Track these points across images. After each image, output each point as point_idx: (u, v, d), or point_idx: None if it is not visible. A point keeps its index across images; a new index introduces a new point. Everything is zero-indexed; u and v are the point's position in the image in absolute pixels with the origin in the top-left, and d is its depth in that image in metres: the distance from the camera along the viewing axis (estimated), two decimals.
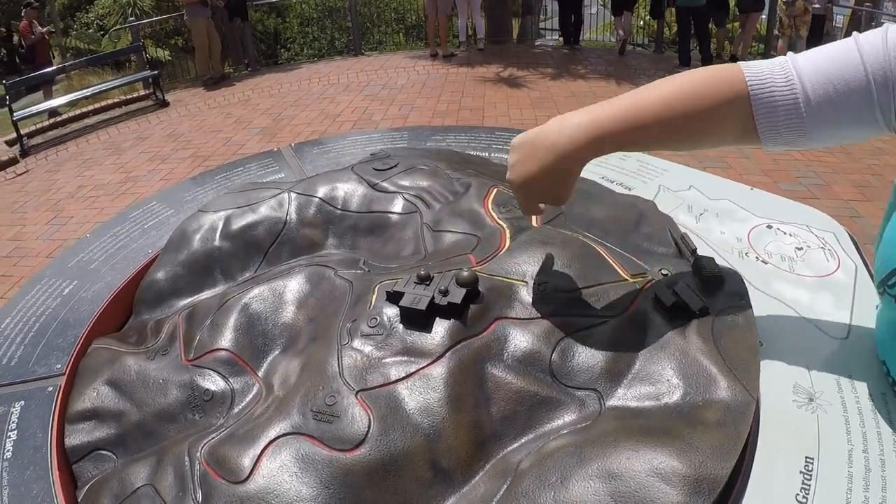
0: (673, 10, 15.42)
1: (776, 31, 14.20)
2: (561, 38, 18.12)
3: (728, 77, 1.46)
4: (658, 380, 1.48)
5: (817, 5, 13.33)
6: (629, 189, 2.52)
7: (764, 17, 15.46)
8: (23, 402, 1.89)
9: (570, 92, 12.66)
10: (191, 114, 14.39)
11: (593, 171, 2.59)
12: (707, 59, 13.76)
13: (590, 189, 2.27)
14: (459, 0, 16.74)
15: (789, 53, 1.43)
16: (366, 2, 20.79)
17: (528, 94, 12.64)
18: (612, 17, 17.30)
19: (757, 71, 1.44)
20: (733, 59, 14.45)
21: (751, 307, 1.64)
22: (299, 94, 14.66)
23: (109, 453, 1.74)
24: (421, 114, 11.78)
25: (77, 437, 1.78)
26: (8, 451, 1.73)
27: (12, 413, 1.85)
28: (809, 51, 1.40)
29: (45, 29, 17.86)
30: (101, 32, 27.20)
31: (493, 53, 16.67)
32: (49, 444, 1.73)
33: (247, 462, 1.41)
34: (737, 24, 15.81)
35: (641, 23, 19.77)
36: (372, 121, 11.71)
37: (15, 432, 1.79)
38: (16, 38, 18.21)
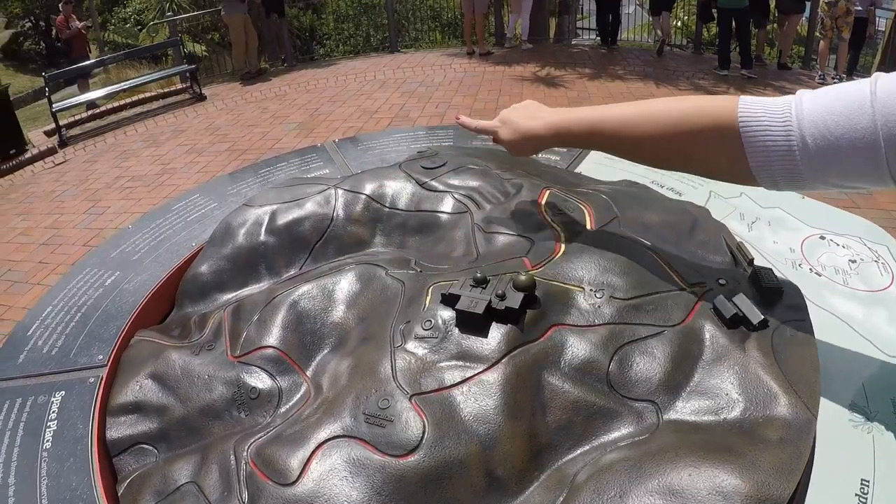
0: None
1: (817, 33, 13.99)
2: (598, 38, 18.03)
3: (720, 108, 1.45)
4: (717, 394, 1.44)
5: (859, 7, 13.10)
6: (680, 194, 2.48)
7: (805, 18, 15.25)
8: (63, 392, 1.88)
9: (608, 92, 12.58)
10: (227, 108, 14.43)
11: (644, 175, 2.54)
12: (746, 61, 13.58)
13: (642, 194, 2.22)
14: (513, 1, 16.70)
15: (799, 92, 1.37)
16: None
17: (565, 94, 12.57)
18: (650, 17, 17.20)
19: (752, 108, 1.39)
20: (782, 66, 14.36)
21: (810, 321, 1.60)
22: (336, 90, 14.65)
23: (151, 448, 1.72)
24: (458, 112, 11.66)
25: (119, 429, 1.76)
26: (48, 441, 1.73)
27: (53, 403, 1.85)
28: (819, 91, 1.34)
29: (81, 23, 17.97)
30: (139, 27, 27.39)
31: (530, 52, 16.59)
32: (90, 436, 1.72)
33: (296, 464, 1.37)
34: (776, 25, 15.62)
35: (679, 23, 19.64)
36: (409, 118, 11.68)
37: (55, 422, 1.78)
38: (54, 32, 18.31)
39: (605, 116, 1.65)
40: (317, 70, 17.11)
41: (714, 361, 1.49)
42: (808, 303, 1.71)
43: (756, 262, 1.80)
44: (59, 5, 17.70)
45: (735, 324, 1.54)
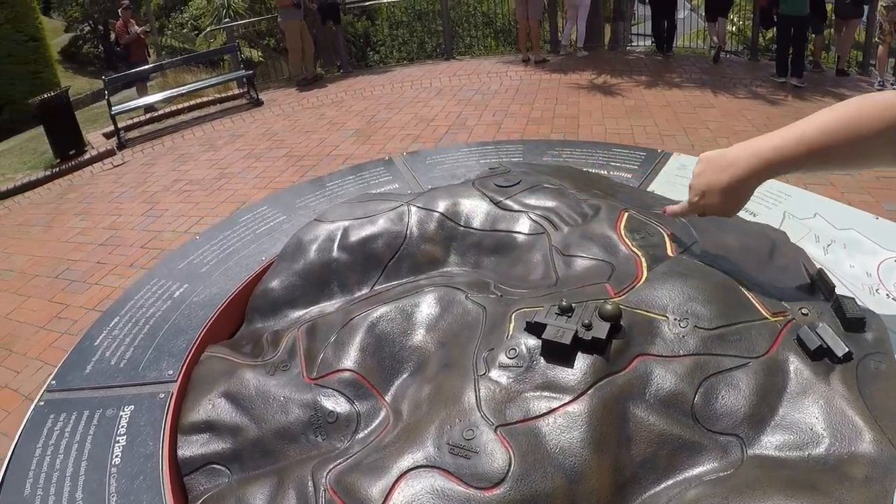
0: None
1: (876, 38, 13.73)
2: (653, 45, 17.90)
3: (889, 103, 1.44)
4: (801, 428, 1.39)
5: None
6: (754, 214, 2.43)
7: (863, 23, 14.98)
8: (133, 406, 1.87)
9: (665, 101, 12.44)
10: (284, 113, 14.49)
11: None
12: (800, 68, 13.34)
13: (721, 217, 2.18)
14: (569, 7, 16.62)
15: None
16: (454, 5, 20.73)
17: (622, 103, 12.46)
18: (706, 24, 17.02)
19: None
20: (840, 72, 14.14)
21: (893, 353, 1.54)
22: (392, 97, 14.66)
23: (224, 468, 1.70)
24: (515, 120, 11.66)
25: (190, 448, 1.74)
26: (117, 456, 1.71)
27: (122, 417, 1.84)
28: None
29: (140, 28, 18.18)
30: (196, 32, 27.63)
31: (585, 60, 16.45)
32: (161, 454, 1.71)
33: (377, 493, 1.35)
34: (834, 31, 15.36)
35: (735, 29, 19.45)
36: (466, 126, 11.64)
37: (124, 438, 1.77)
38: (113, 37, 18.56)
39: (804, 135, 1.58)
40: (373, 77, 17.13)
41: (798, 395, 1.45)
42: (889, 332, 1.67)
43: (835, 287, 1.75)
44: (119, 11, 17.92)
45: (819, 356, 1.50)
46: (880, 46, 13.15)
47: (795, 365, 1.49)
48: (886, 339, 1.58)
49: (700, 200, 1.74)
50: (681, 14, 18.69)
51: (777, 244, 1.98)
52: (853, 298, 1.65)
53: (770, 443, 1.40)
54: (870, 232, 2.34)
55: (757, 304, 1.63)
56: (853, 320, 1.59)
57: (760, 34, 16.93)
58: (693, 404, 1.44)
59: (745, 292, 1.67)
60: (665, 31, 16.66)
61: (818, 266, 1.93)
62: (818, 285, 1.78)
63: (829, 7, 14.36)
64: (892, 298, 2.00)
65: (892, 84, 12.65)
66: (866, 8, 14.17)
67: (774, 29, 14.51)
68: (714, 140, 9.78)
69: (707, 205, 1.73)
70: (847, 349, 1.48)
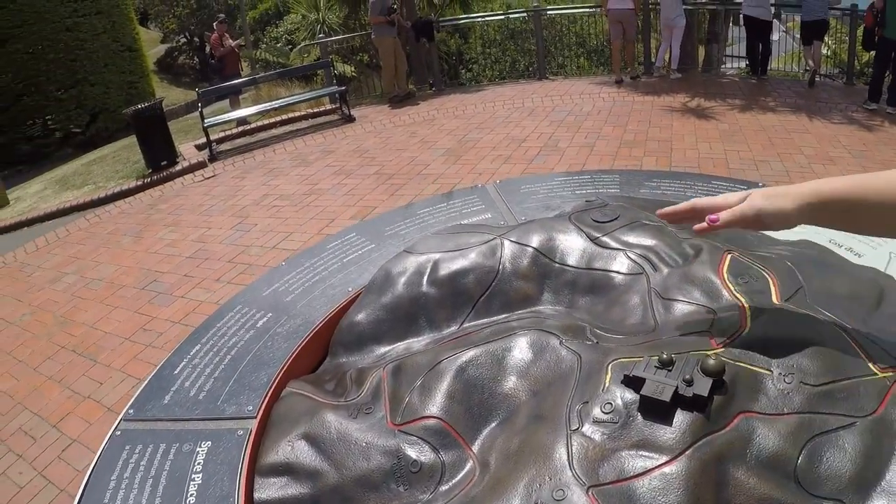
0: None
1: None
2: (746, 67, 17.68)
3: None
4: None
5: None
6: (859, 255, 2.30)
7: None
8: (210, 442, 1.82)
9: (759, 126, 12.22)
10: (376, 130, 14.58)
11: (819, 232, 2.37)
12: (894, 98, 13.02)
13: (825, 258, 2.07)
14: (664, 28, 16.53)
15: None
16: (547, 25, 20.69)
17: (716, 127, 12.28)
18: (801, 47, 16.75)
19: None
20: None
21: None
22: (484, 116, 14.65)
23: None
24: (608, 143, 11.55)
25: (268, 491, 1.68)
26: (192, 495, 1.66)
27: (198, 453, 1.79)
28: None
29: (235, 42, 18.50)
30: (290, 46, 28.04)
31: (679, 82, 16.32)
32: (237, 494, 1.65)
33: None
34: None
35: (830, 52, 19.12)
36: (558, 148, 11.55)
37: (200, 475, 1.72)
38: (208, 49, 18.92)
39: (865, 182, 1.49)
40: (464, 95, 17.16)
41: None
42: None
43: None
44: (214, 24, 18.23)
45: None
46: None
47: None
48: None
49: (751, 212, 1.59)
50: (774, 36, 18.44)
51: (885, 290, 1.86)
52: None
53: None
54: None
55: (865, 358, 1.52)
56: None
57: (856, 58, 16.60)
58: (796, 466, 1.34)
59: (854, 345, 1.56)
60: (759, 54, 16.43)
61: None
62: None
63: None
64: None
65: None
66: None
67: (873, 52, 14.17)
68: (809, 166, 9.58)
69: (761, 223, 1.59)
70: None
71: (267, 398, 1.95)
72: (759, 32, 16.22)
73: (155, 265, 8.95)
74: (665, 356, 1.45)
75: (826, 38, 17.15)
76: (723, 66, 19.93)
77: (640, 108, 14.02)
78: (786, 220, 1.54)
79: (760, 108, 13.67)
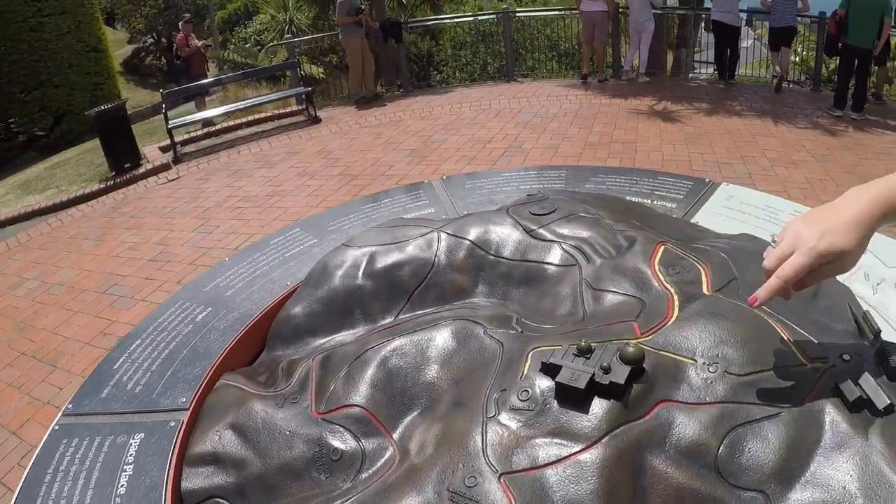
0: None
1: None
2: (715, 72, 17.81)
3: None
4: (833, 486, 1.29)
5: None
6: None
7: None
8: (143, 434, 1.82)
9: (724, 129, 12.29)
10: (342, 131, 14.54)
11: (763, 227, 2.40)
12: (861, 102, 13.13)
13: (763, 251, 2.08)
14: (633, 32, 16.60)
15: None
16: (518, 28, 20.73)
17: (681, 130, 12.33)
18: (769, 53, 16.88)
19: None
20: None
21: None
22: (450, 117, 14.65)
23: (226, 503, 1.64)
24: (572, 144, 11.57)
25: (195, 480, 1.69)
26: (122, 486, 1.67)
27: (131, 445, 1.79)
28: None
29: (201, 42, 18.39)
30: (258, 47, 27.95)
31: (646, 85, 16.37)
32: (165, 485, 1.65)
33: None
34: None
35: (798, 59, 19.28)
36: (522, 149, 11.57)
37: (131, 467, 1.72)
38: (174, 49, 18.83)
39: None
40: (432, 97, 17.15)
41: (833, 449, 1.34)
42: None
43: (882, 333, 1.63)
44: (180, 24, 18.13)
45: (858, 407, 1.39)
46: None
47: (832, 417, 1.39)
48: None
49: (823, 270, 1.41)
50: (745, 43, 18.57)
51: (822, 283, 1.85)
52: None
53: (798, 501, 1.29)
54: None
55: (794, 349, 1.53)
56: None
57: (824, 65, 16.77)
58: (717, 456, 1.34)
59: (783, 335, 1.57)
60: (728, 60, 16.56)
61: (864, 307, 1.83)
62: (862, 327, 1.67)
63: (893, 40, 14.16)
64: None
65: None
66: None
67: (838, 59, 14.32)
68: (772, 168, 9.64)
69: (835, 270, 1.42)
70: (889, 401, 1.37)
71: (200, 390, 1.95)
72: (727, 38, 16.33)
73: (116, 268, 8.88)
74: (583, 344, 1.45)
75: (794, 45, 17.30)
76: (693, 72, 20.02)
77: (607, 111, 14.06)
78: (853, 257, 1.40)
79: (726, 112, 13.75)
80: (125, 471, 1.70)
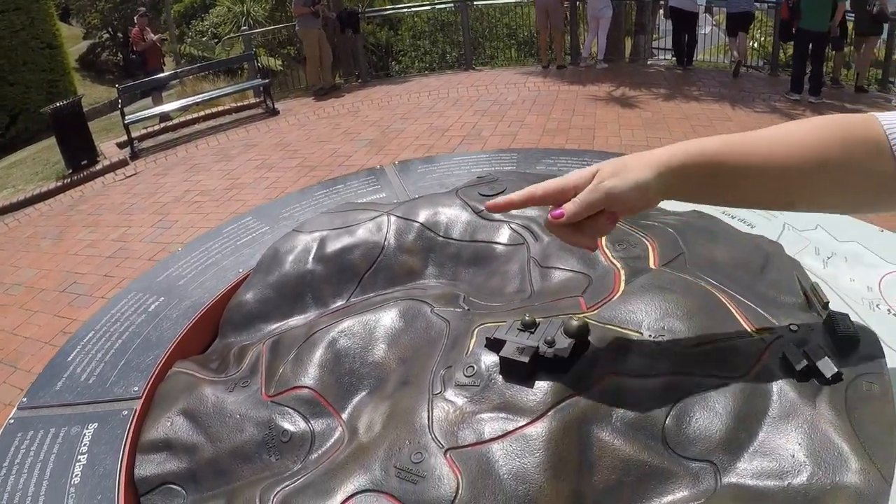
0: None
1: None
2: (674, 59, 17.93)
3: (857, 126, 1.28)
4: (782, 455, 1.29)
5: None
6: (752, 226, 2.35)
7: (883, 40, 14.91)
8: (96, 424, 1.82)
9: (682, 114, 12.41)
10: (300, 123, 14.53)
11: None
12: (818, 86, 13.28)
13: (712, 227, 2.09)
14: (591, 18, 16.67)
15: None
16: (478, 16, 20.77)
17: (639, 115, 12.43)
18: (727, 39, 17.02)
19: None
20: (859, 88, 14.07)
21: (888, 374, 1.44)
22: (408, 107, 14.68)
23: (179, 488, 1.64)
24: (530, 131, 11.64)
25: (147, 467, 1.69)
26: (76, 475, 1.67)
27: (85, 435, 1.79)
28: None
29: (156, 36, 18.28)
30: (215, 40, 27.77)
31: (605, 72, 16.49)
32: (118, 473, 1.66)
33: None
34: (853, 48, 15.29)
35: (756, 44, 19.42)
36: (480, 136, 11.62)
37: (85, 456, 1.73)
38: (130, 44, 18.68)
39: (725, 143, 1.34)
40: (390, 87, 17.16)
41: (781, 418, 1.35)
42: (887, 350, 1.58)
43: (831, 304, 1.65)
44: (135, 18, 18.00)
45: (806, 376, 1.40)
46: None
47: (779, 386, 1.40)
48: (882, 359, 1.48)
49: (605, 184, 1.33)
50: (706, 29, 18.72)
51: (771, 257, 1.88)
52: (847, 315, 1.56)
53: (747, 470, 1.30)
54: (873, 244, 2.26)
55: (741, 320, 1.54)
56: (845, 338, 1.48)
57: (781, 49, 16.91)
58: (664, 427, 1.35)
59: (730, 307, 1.58)
60: (685, 45, 16.68)
61: (814, 280, 1.84)
62: (811, 299, 1.69)
63: (849, 25, 14.31)
64: (894, 314, 1.92)
65: None
66: (886, 26, 14.13)
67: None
68: None
69: (613, 188, 1.32)
70: (836, 370, 1.39)
71: (153, 378, 1.96)
72: (685, 24, 16.48)
73: (75, 267, 8.84)
74: (528, 318, 1.46)
75: (752, 31, 17.44)
76: (651, 58, 20.14)
77: (565, 98, 14.14)
78: (643, 195, 1.33)
79: (684, 97, 13.87)
80: (79, 461, 1.71)
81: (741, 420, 1.35)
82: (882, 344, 1.55)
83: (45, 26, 23.30)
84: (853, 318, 1.56)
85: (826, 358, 1.40)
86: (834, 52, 14.67)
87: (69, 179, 13.02)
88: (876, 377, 1.42)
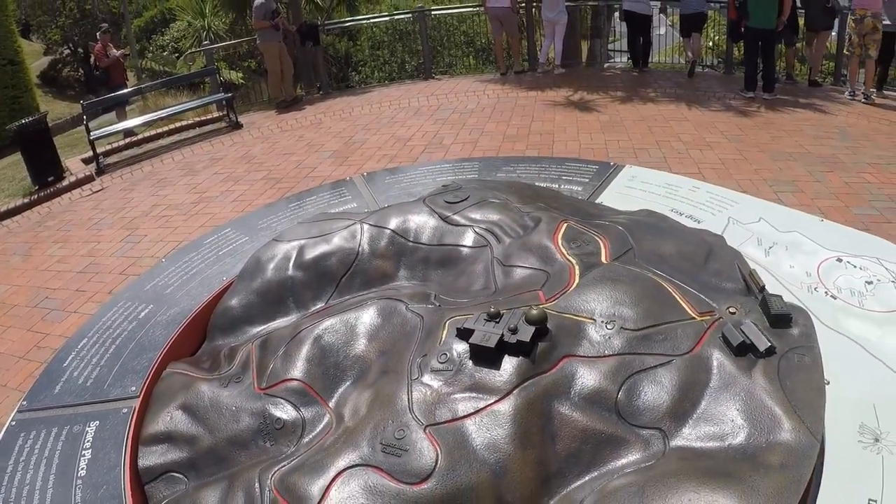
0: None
1: (846, 51, 13.79)
2: (630, 61, 17.98)
3: None
4: (723, 420, 1.48)
5: (888, 22, 12.89)
6: (698, 222, 2.51)
7: (834, 34, 15.02)
8: (98, 422, 1.95)
9: (639, 115, 12.45)
10: (263, 136, 14.47)
11: (663, 203, 2.58)
12: (771, 82, 13.35)
13: (659, 223, 2.26)
14: (547, 24, 16.64)
15: None
16: (436, 25, 20.73)
17: (597, 118, 12.47)
18: (681, 39, 17.09)
19: None
20: (812, 83, 14.23)
21: (818, 346, 1.63)
22: (370, 117, 14.63)
23: (181, 476, 1.78)
24: (491, 138, 11.67)
25: (150, 458, 1.82)
26: (82, 469, 1.80)
27: (87, 432, 1.92)
28: None
29: (119, 52, 18.04)
30: (176, 55, 27.54)
31: (562, 77, 16.45)
32: (123, 465, 1.79)
33: (316, 491, 1.43)
34: (805, 43, 15.38)
35: (710, 44, 19.51)
36: (442, 145, 11.65)
37: (89, 451, 1.85)
38: (92, 60, 18.43)
39: None
40: (352, 98, 17.09)
41: (721, 389, 1.53)
42: (822, 326, 1.75)
43: (770, 289, 1.82)
44: (97, 34, 17.86)
45: (743, 351, 1.58)
46: (851, 58, 13.23)
47: (719, 361, 1.58)
48: (812, 334, 1.66)
49: None
50: (661, 30, 18.81)
51: (714, 248, 2.06)
52: (780, 296, 1.74)
53: (692, 435, 1.48)
54: (813, 234, 2.42)
55: (685, 305, 1.72)
56: (778, 316, 1.67)
57: (735, 48, 17.02)
58: (617, 401, 1.53)
59: (675, 294, 1.76)
60: (641, 48, 16.76)
61: (754, 267, 2.01)
62: (749, 284, 1.86)
63: (800, 20, 14.45)
64: (831, 296, 2.07)
65: (863, 93, 12.74)
66: (836, 20, 14.27)
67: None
68: (686, 152, 9.83)
69: None
70: (770, 343, 1.57)
71: (149, 378, 2.08)
72: (639, 27, 16.52)
73: (45, 282, 8.78)
74: (493, 310, 1.64)
75: (707, 30, 17.54)
76: (608, 61, 20.19)
77: (524, 104, 14.16)
78: None
79: (641, 99, 13.92)
80: (84, 455, 1.82)
81: (685, 391, 1.54)
82: (819, 323, 1.73)
83: (6, 42, 22.95)
84: (794, 301, 1.74)
85: (760, 333, 1.59)
86: (786, 48, 14.78)
87: (36, 196, 12.85)
88: (806, 350, 1.61)
